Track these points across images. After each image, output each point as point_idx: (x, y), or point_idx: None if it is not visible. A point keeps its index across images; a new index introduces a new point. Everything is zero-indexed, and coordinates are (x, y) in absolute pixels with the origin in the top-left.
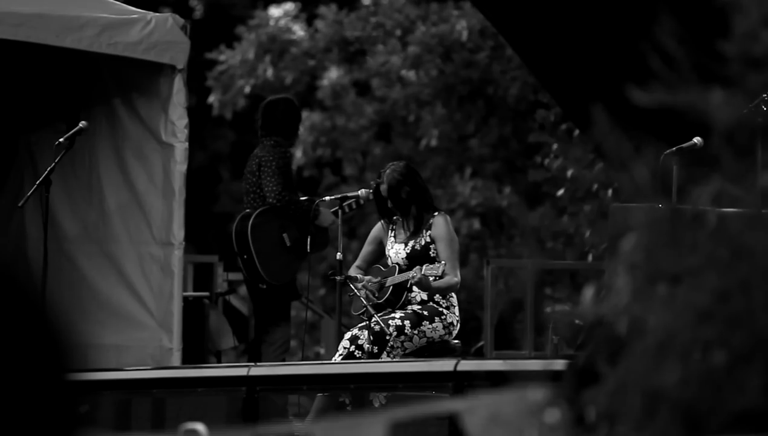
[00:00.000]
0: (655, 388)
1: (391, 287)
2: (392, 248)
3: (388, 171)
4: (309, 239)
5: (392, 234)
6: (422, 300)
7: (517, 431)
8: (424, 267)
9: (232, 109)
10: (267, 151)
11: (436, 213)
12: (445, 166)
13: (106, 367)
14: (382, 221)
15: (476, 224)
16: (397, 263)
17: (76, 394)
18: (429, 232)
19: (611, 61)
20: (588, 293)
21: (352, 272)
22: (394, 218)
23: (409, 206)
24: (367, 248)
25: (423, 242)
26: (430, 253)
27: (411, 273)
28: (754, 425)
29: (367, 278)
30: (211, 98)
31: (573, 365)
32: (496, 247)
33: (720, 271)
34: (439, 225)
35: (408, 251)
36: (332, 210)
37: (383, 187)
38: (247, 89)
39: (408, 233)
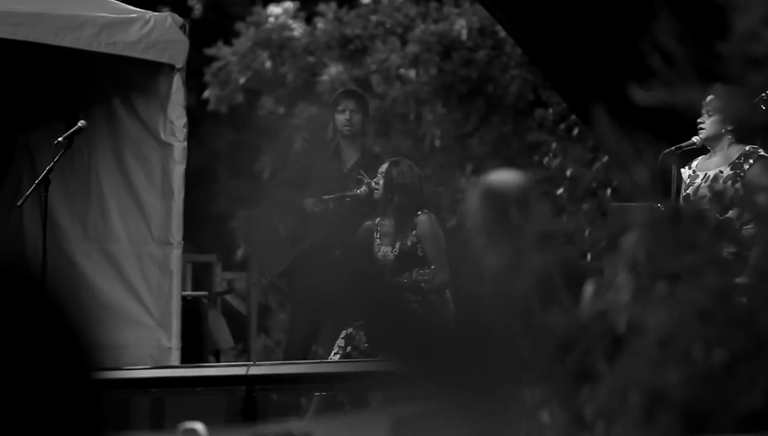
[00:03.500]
0: (655, 387)
1: None
2: (380, 250)
3: (405, 166)
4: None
5: (377, 236)
6: (417, 299)
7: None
8: (414, 273)
9: (228, 103)
10: None
11: (419, 212)
12: (445, 165)
13: (104, 366)
14: (367, 223)
15: None
16: (386, 266)
17: (101, 393)
18: (414, 232)
19: (616, 57)
20: (588, 291)
21: None
22: (377, 220)
23: (406, 201)
24: None
25: (409, 243)
26: (418, 252)
27: (402, 279)
28: (756, 424)
29: None
30: (207, 93)
31: (569, 363)
32: None
33: (720, 270)
34: (424, 224)
35: (396, 253)
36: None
37: (401, 181)
38: (242, 80)
39: (393, 232)
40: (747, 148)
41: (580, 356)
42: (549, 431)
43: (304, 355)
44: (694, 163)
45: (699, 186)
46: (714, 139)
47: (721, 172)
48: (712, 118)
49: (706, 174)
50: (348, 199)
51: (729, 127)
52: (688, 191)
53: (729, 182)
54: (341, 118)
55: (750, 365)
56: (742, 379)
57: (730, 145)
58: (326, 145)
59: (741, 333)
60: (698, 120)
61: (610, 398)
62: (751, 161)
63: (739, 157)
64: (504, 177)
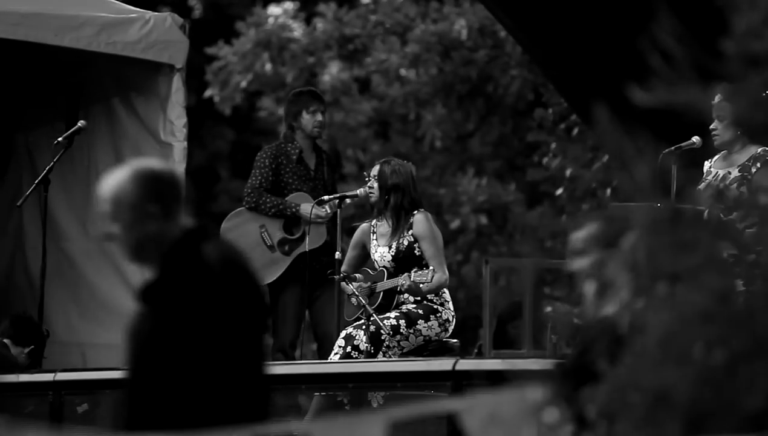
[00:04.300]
0: (655, 387)
1: (381, 293)
2: (376, 251)
3: (396, 165)
4: (307, 236)
5: (374, 237)
6: (416, 299)
7: (517, 431)
8: (412, 274)
9: (230, 104)
10: (263, 148)
11: (415, 212)
12: (445, 165)
13: (104, 366)
14: (363, 224)
15: (483, 219)
16: (384, 267)
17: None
18: (410, 231)
19: (617, 56)
20: (588, 291)
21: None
22: (374, 221)
23: (402, 200)
24: (351, 253)
25: (406, 243)
26: (415, 252)
27: (400, 281)
28: (755, 424)
29: (359, 283)
30: (209, 92)
31: (566, 363)
32: (500, 244)
33: (720, 271)
34: (420, 223)
35: (393, 254)
36: (332, 212)
37: (393, 181)
38: (244, 84)
39: (389, 231)
40: (759, 150)
41: (582, 356)
42: (552, 432)
43: (290, 356)
44: (714, 158)
45: (709, 183)
46: (729, 144)
47: (730, 172)
48: (724, 123)
49: (717, 172)
50: (348, 199)
51: (741, 131)
52: (699, 187)
53: (735, 184)
54: (313, 119)
55: (750, 365)
56: (742, 379)
57: (744, 147)
58: (286, 146)
59: (741, 333)
60: (711, 127)
61: (611, 398)
62: (758, 165)
63: (748, 160)
64: (153, 162)
